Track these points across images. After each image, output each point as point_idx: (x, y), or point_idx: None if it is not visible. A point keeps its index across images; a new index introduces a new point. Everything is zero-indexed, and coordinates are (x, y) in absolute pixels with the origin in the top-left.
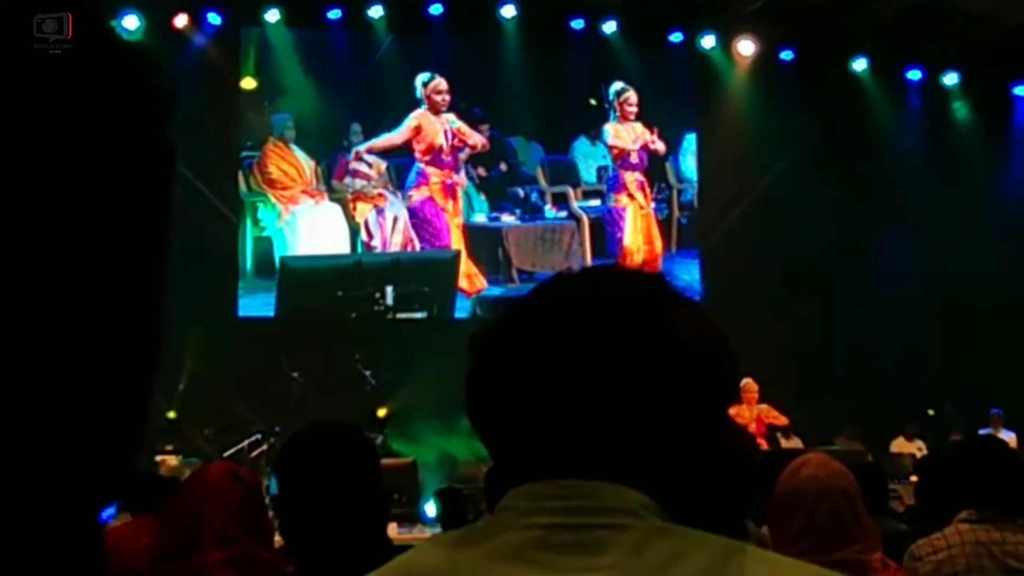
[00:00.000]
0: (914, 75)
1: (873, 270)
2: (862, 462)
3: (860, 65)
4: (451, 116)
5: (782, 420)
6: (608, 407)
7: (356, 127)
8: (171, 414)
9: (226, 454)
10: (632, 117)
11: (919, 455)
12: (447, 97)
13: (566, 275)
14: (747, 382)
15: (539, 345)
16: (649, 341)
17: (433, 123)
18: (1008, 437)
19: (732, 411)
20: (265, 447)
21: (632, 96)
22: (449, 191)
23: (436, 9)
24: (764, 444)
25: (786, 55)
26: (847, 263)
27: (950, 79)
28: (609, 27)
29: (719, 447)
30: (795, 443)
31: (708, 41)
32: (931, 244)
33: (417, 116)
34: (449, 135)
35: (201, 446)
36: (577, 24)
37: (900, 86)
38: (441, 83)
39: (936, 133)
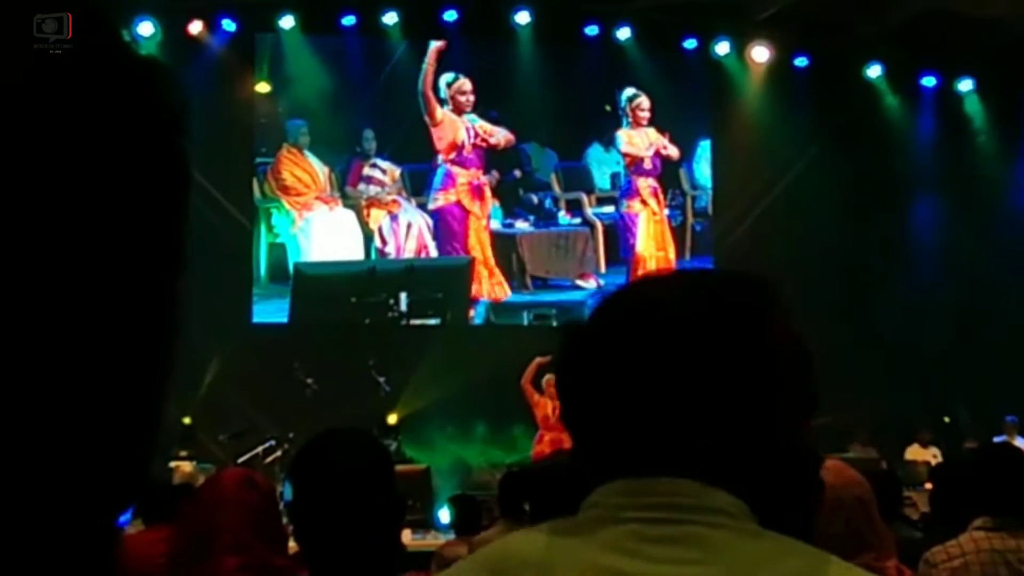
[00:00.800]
0: (928, 81)
1: (888, 277)
2: (877, 469)
3: (874, 71)
4: (472, 115)
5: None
6: (702, 411)
7: (369, 133)
8: (186, 420)
9: (240, 460)
10: (645, 123)
11: (934, 462)
12: (471, 98)
13: (663, 277)
14: None
15: (638, 347)
16: (747, 349)
17: (455, 121)
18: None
19: None
20: (279, 453)
21: (644, 102)
22: (477, 192)
23: (450, 15)
24: None
25: (800, 61)
26: (861, 270)
27: (965, 85)
28: (623, 34)
29: (800, 456)
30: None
31: (722, 48)
32: (946, 250)
33: (440, 115)
34: (471, 133)
35: (215, 452)
36: (591, 31)
37: (914, 92)
38: (465, 83)
39: (951, 139)
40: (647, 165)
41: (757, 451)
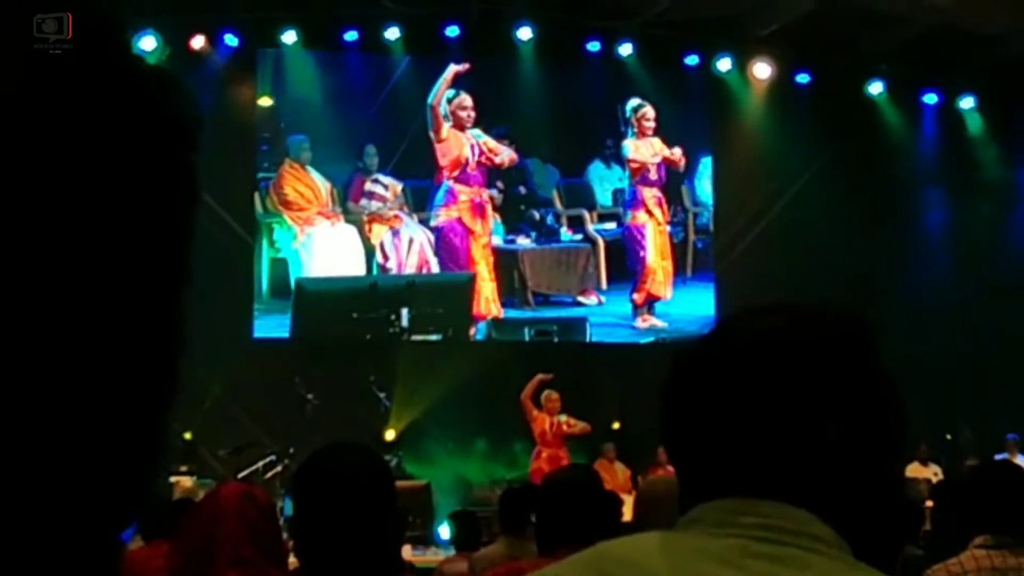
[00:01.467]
0: (930, 98)
1: (888, 293)
2: None
3: (876, 88)
4: (477, 131)
5: None
6: (808, 440)
7: (371, 149)
8: (187, 435)
9: (240, 475)
10: (650, 132)
11: (934, 480)
12: (472, 113)
13: (774, 308)
14: None
15: (749, 374)
16: (857, 385)
17: (459, 137)
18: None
19: None
20: (279, 468)
21: (650, 111)
22: (478, 210)
23: (452, 31)
24: None
25: (802, 78)
26: (862, 287)
27: (966, 102)
28: (625, 50)
29: (891, 495)
30: None
31: (724, 64)
32: (948, 267)
33: (446, 132)
34: (476, 150)
35: (216, 467)
36: (593, 47)
37: (916, 109)
38: (466, 99)
39: (952, 155)
40: (652, 175)
41: (855, 486)
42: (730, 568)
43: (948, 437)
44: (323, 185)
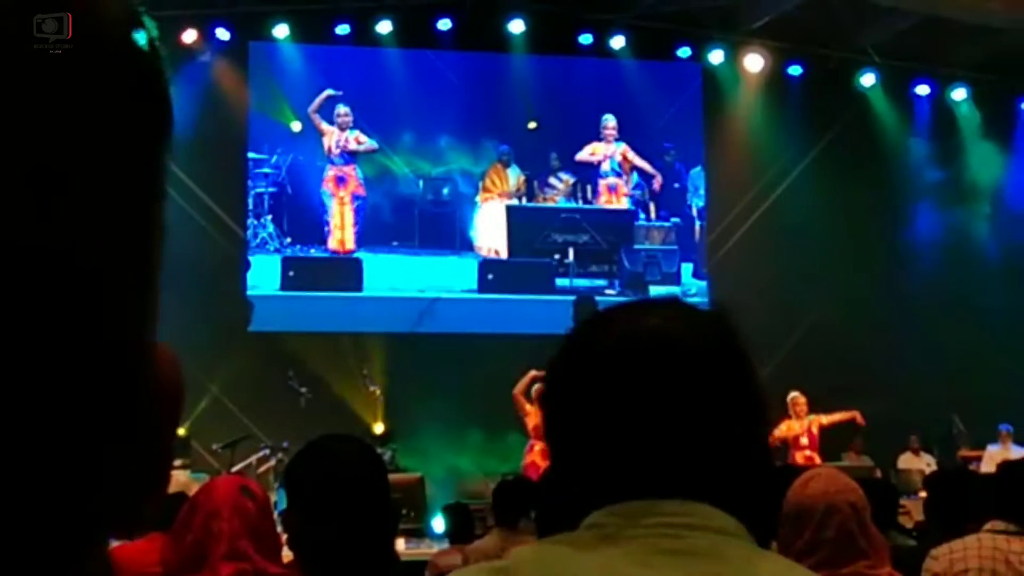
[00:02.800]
0: (922, 90)
1: (881, 284)
2: (871, 478)
3: (868, 80)
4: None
5: (828, 419)
6: (701, 438)
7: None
8: (181, 431)
9: (234, 469)
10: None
11: (927, 470)
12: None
13: (639, 307)
14: (795, 396)
15: (638, 376)
16: (735, 379)
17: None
18: (1018, 453)
19: (783, 426)
20: (273, 462)
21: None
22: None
23: (444, 24)
24: (817, 456)
25: (794, 70)
26: (855, 277)
27: (958, 93)
28: (617, 42)
29: (768, 472)
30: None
31: (716, 56)
32: (941, 257)
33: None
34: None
35: (210, 461)
36: (586, 39)
37: (908, 101)
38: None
39: (944, 147)
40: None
41: (745, 472)
42: (641, 567)
43: (959, 428)
44: None
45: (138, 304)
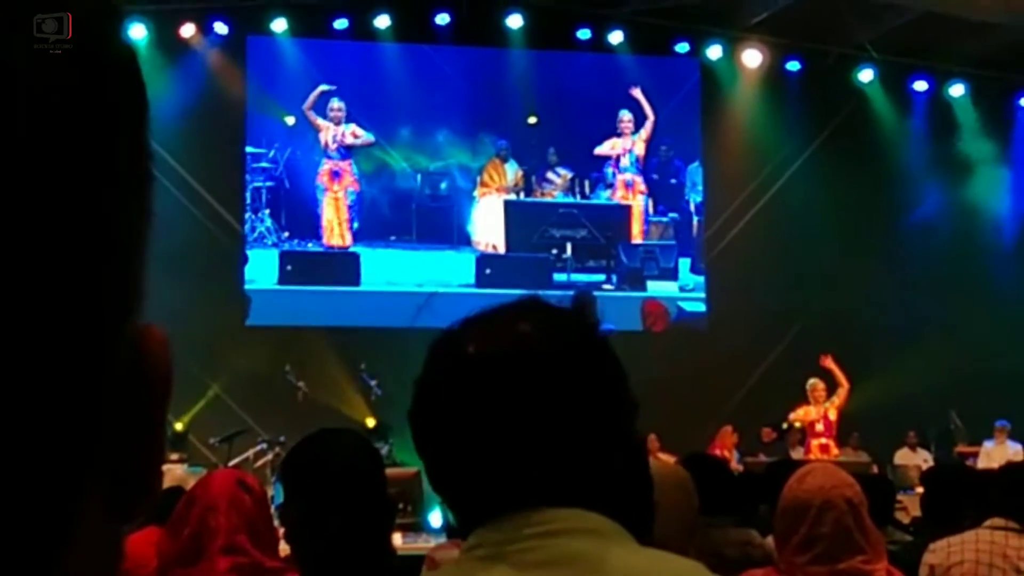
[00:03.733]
0: (920, 86)
1: (878, 280)
2: (868, 473)
3: (866, 76)
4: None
5: (840, 398)
6: (563, 443)
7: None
8: (178, 426)
9: (231, 463)
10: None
11: (924, 466)
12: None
13: (491, 316)
14: (815, 382)
15: (490, 391)
16: (593, 380)
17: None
18: (1014, 449)
19: (801, 411)
20: (270, 456)
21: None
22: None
23: (443, 19)
24: (834, 446)
25: (792, 65)
26: (852, 272)
27: (956, 90)
28: (615, 37)
29: (639, 468)
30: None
31: (714, 51)
32: (937, 252)
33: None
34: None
35: (207, 455)
36: (584, 34)
37: (906, 97)
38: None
39: (942, 143)
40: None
41: (616, 472)
42: None
43: (957, 424)
44: None
45: (125, 282)
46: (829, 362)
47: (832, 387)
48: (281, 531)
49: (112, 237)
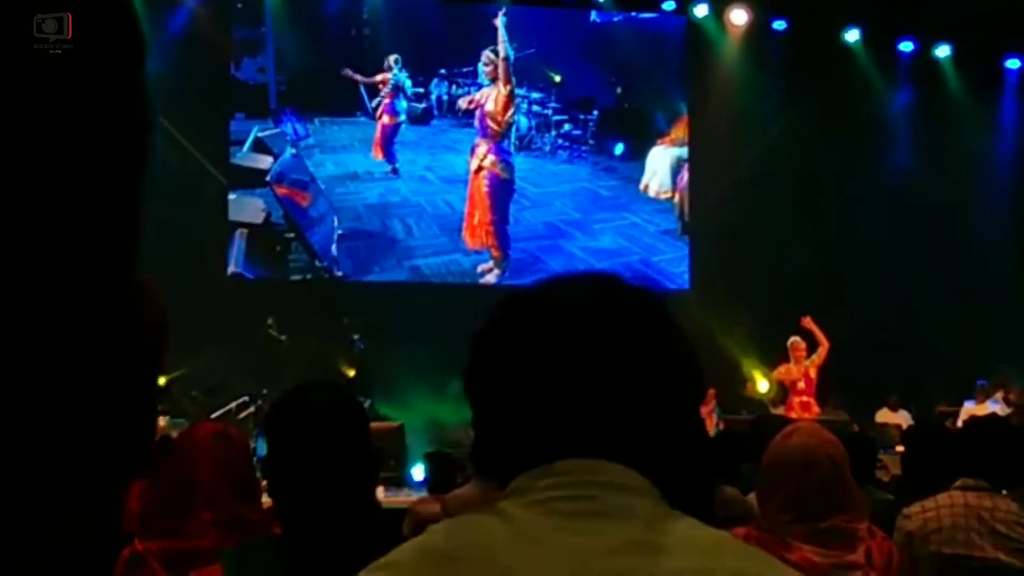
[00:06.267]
0: (906, 47)
1: (862, 242)
2: (850, 432)
3: (852, 36)
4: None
5: (820, 355)
6: (616, 403)
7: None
8: (160, 380)
9: (214, 416)
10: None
11: (904, 425)
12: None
13: (566, 281)
14: (796, 340)
15: (553, 346)
16: (652, 347)
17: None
18: (994, 408)
19: (782, 369)
20: (253, 409)
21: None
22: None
23: None
24: (815, 404)
25: (779, 24)
26: (836, 234)
27: (942, 51)
28: None
29: (697, 439)
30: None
31: (700, 10)
32: (923, 216)
33: None
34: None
35: (189, 408)
36: None
37: (892, 57)
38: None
39: (928, 105)
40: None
41: (662, 436)
42: (556, 530)
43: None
44: None
45: (119, 237)
46: (809, 322)
47: (813, 346)
48: (264, 484)
49: (106, 193)
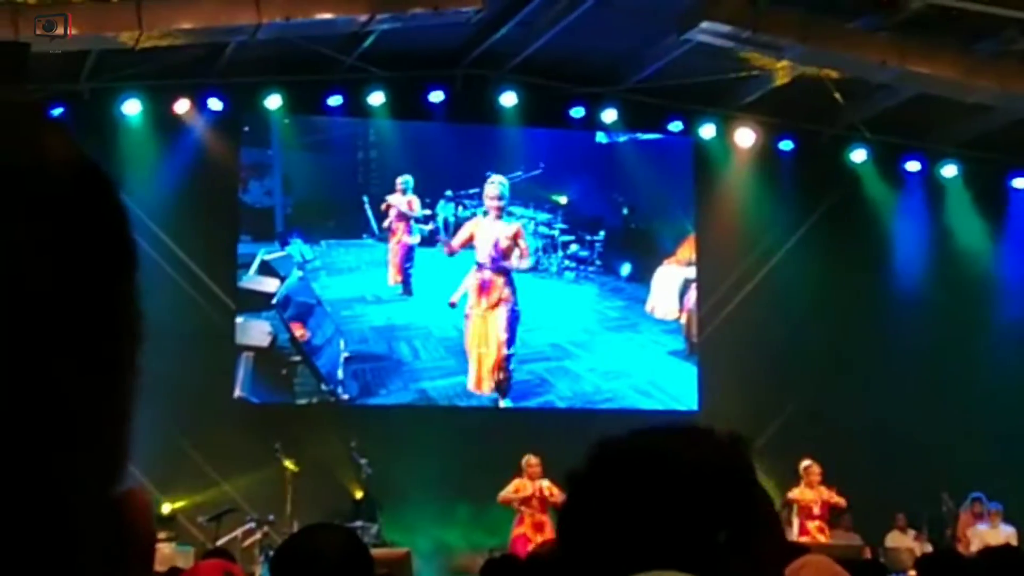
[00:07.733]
0: (913, 166)
1: (870, 360)
2: (861, 558)
3: (859, 155)
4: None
5: (841, 501)
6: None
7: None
8: (165, 510)
9: (220, 542)
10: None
11: (916, 548)
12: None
13: (663, 434)
14: (809, 464)
15: (649, 495)
16: (736, 495)
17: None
18: (1007, 532)
19: (796, 493)
20: (259, 535)
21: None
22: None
23: (437, 96)
24: (826, 529)
25: (785, 145)
26: (844, 353)
27: (949, 170)
28: (609, 115)
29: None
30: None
31: (707, 131)
32: (932, 333)
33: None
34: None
35: (195, 534)
36: (577, 112)
37: (898, 176)
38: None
39: (934, 223)
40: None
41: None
42: None
43: (948, 506)
44: None
45: (106, 449)
46: (827, 495)
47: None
48: None
49: (93, 409)
